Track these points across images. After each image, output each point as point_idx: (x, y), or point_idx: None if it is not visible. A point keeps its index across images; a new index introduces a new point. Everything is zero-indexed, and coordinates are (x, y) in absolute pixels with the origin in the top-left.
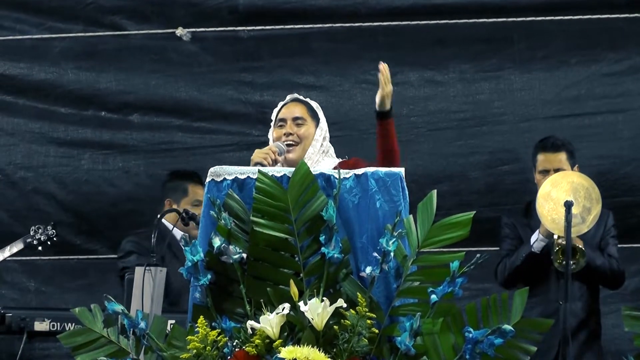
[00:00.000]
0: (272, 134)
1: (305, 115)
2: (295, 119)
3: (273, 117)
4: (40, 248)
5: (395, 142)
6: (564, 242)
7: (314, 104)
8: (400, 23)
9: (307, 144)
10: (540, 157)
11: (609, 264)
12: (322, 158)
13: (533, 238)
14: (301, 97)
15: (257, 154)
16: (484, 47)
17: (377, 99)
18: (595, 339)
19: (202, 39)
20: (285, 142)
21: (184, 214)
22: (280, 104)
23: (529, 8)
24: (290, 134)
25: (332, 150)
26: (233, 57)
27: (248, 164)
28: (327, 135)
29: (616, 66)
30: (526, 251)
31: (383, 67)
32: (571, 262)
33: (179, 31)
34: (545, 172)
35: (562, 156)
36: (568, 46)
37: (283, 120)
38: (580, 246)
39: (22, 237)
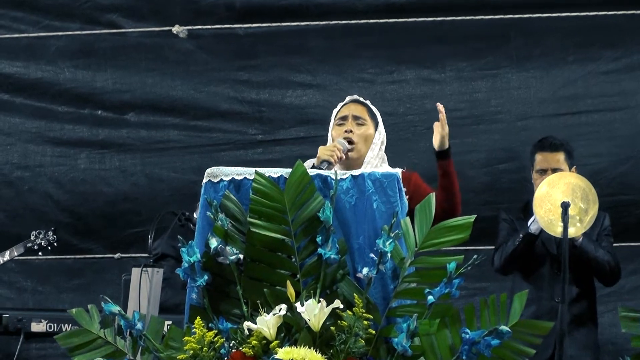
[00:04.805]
0: (331, 133)
1: (366, 116)
2: (356, 117)
3: (332, 117)
4: (40, 253)
5: (456, 182)
6: None
7: (374, 108)
8: (397, 20)
9: (366, 145)
10: (538, 157)
11: (608, 257)
12: (380, 164)
13: (531, 220)
14: (361, 99)
15: (324, 152)
16: (481, 45)
17: (437, 140)
18: (592, 338)
19: (199, 36)
20: (345, 138)
21: (180, 216)
22: (340, 104)
23: (526, 5)
24: (351, 131)
25: (385, 157)
26: (230, 55)
27: (244, 164)
28: (385, 140)
29: (613, 64)
30: (523, 232)
31: (441, 107)
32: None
33: (176, 29)
34: (543, 172)
35: (561, 156)
36: (565, 44)
37: (344, 118)
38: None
39: (20, 238)
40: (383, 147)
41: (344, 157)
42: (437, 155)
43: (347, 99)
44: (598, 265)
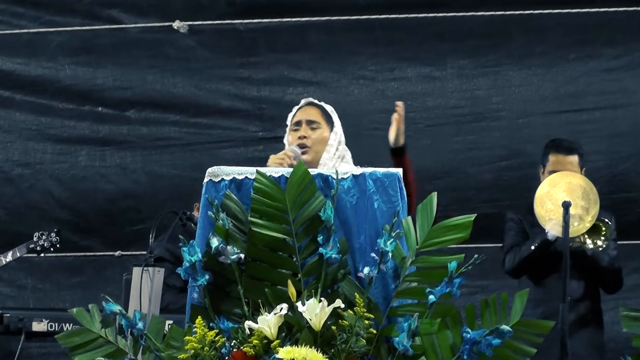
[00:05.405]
0: (287, 138)
1: (320, 119)
2: (309, 122)
3: (288, 122)
4: (42, 255)
5: (410, 178)
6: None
7: (329, 108)
8: (398, 16)
9: (321, 148)
10: (552, 158)
11: (613, 265)
12: (338, 164)
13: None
14: (316, 101)
15: (273, 160)
16: (482, 43)
17: (392, 137)
18: (598, 338)
19: (199, 32)
20: (298, 144)
21: (182, 215)
22: (295, 108)
23: (527, 2)
24: (305, 136)
25: (348, 155)
26: (230, 51)
27: (245, 161)
28: (343, 139)
29: (614, 62)
30: (541, 238)
31: (400, 104)
32: (595, 241)
33: (177, 24)
34: None
35: (575, 159)
36: (566, 41)
37: (298, 123)
38: (606, 220)
39: (20, 236)
40: (341, 147)
41: (295, 163)
42: (391, 152)
43: (302, 102)
44: (603, 274)
